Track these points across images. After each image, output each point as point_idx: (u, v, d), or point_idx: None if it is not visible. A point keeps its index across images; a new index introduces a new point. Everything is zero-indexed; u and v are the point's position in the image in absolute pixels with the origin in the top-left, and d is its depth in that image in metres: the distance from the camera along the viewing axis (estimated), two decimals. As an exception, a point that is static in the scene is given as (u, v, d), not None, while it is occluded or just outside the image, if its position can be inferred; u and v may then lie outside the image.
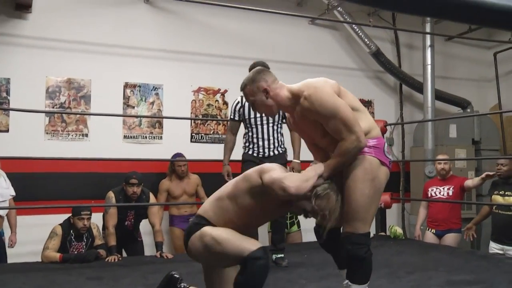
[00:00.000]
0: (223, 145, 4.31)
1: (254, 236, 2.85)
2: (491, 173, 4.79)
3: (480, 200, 6.37)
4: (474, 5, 0.85)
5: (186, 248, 2.55)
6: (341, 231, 2.57)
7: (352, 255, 2.48)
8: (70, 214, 4.35)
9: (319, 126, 2.43)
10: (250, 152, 4.06)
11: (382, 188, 2.49)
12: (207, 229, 2.45)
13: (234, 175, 2.89)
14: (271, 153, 4.02)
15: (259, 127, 3.99)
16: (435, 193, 5.18)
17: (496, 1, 0.84)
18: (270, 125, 3.99)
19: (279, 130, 4.06)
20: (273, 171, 2.40)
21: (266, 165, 2.50)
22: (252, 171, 2.50)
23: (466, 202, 5.94)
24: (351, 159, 2.42)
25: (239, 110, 4.06)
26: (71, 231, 4.29)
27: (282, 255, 4.04)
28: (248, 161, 3.97)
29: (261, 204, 2.45)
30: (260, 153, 4.03)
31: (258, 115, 3.94)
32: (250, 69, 3.96)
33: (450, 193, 5.08)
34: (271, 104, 2.52)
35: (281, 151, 4.06)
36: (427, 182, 5.54)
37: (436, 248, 4.77)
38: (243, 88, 2.56)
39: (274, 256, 4.01)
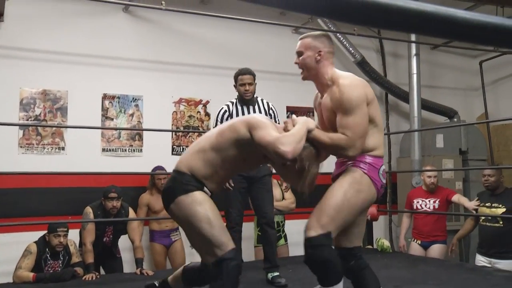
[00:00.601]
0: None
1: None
2: (475, 207, 4.75)
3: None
4: (450, 21, 0.78)
5: (165, 204, 2.51)
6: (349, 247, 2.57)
7: (313, 259, 2.38)
8: (45, 231, 4.17)
9: (334, 117, 2.46)
10: None
11: (364, 205, 2.45)
12: (196, 201, 2.41)
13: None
14: None
15: None
16: (420, 205, 5.16)
17: (470, 17, 0.77)
18: None
19: None
20: (264, 130, 2.33)
21: (254, 119, 2.43)
22: (239, 123, 2.46)
23: (454, 214, 5.87)
24: (332, 151, 2.47)
25: (226, 119, 3.82)
26: (47, 249, 4.11)
27: (278, 273, 3.81)
28: (236, 176, 3.75)
29: (246, 155, 2.45)
30: None
31: None
32: (235, 77, 3.87)
33: (436, 206, 5.07)
34: (313, 68, 2.53)
35: None
36: (411, 192, 5.50)
37: (423, 261, 4.70)
38: (303, 38, 2.57)
39: (269, 275, 3.80)
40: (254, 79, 3.89)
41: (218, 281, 2.40)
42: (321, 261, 2.36)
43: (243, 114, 3.77)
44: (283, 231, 5.32)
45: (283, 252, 5.24)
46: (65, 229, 4.13)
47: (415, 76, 6.46)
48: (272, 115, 3.89)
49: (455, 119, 6.90)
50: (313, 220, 2.39)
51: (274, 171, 3.96)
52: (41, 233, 4.24)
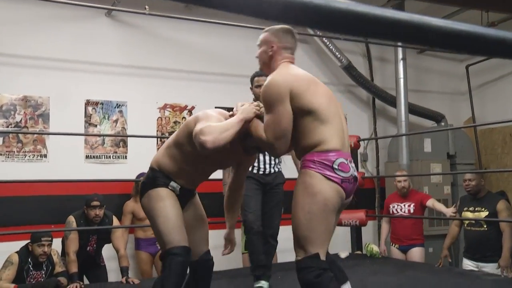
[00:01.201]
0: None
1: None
2: (453, 213, 4.74)
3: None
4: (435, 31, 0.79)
5: (140, 197, 2.63)
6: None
7: (304, 282, 2.25)
8: (28, 241, 4.07)
9: None
10: (250, 169, 3.72)
11: (331, 205, 2.23)
12: (158, 197, 2.51)
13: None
14: (272, 170, 3.74)
15: None
16: (396, 210, 5.23)
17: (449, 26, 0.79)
18: None
19: None
20: (202, 122, 2.33)
21: (203, 113, 2.46)
22: (191, 117, 2.52)
23: (436, 218, 5.87)
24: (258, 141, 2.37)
25: None
26: (29, 259, 4.01)
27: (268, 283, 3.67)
28: (248, 178, 3.53)
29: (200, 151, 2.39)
30: (261, 169, 3.72)
31: None
32: (251, 79, 3.80)
33: (411, 210, 5.13)
34: (266, 62, 2.50)
35: (280, 169, 3.81)
36: (388, 197, 5.59)
37: (412, 267, 4.67)
38: (264, 31, 2.54)
39: (256, 285, 3.65)
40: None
41: (163, 273, 2.48)
42: (307, 284, 2.24)
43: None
44: (272, 237, 5.24)
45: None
46: (49, 239, 4.04)
47: (402, 81, 6.44)
48: None
49: (443, 123, 6.90)
50: (295, 243, 2.29)
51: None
52: (22, 243, 4.14)
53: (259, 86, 3.63)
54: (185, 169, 2.56)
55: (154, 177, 2.57)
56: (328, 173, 2.21)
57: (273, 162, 3.75)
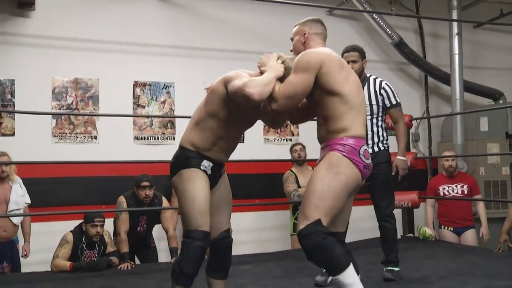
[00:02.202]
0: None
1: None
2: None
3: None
4: None
5: (170, 177, 2.62)
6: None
7: (309, 249, 2.30)
8: (81, 221, 4.18)
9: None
10: None
11: (349, 187, 2.38)
12: (189, 178, 2.52)
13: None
14: (371, 150, 3.38)
15: None
16: (447, 191, 5.07)
17: None
18: (368, 117, 3.45)
19: (379, 123, 3.55)
20: (236, 80, 2.40)
21: (230, 73, 2.51)
22: (216, 83, 2.56)
23: (493, 200, 5.65)
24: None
25: None
26: (83, 238, 4.14)
27: (393, 269, 3.49)
28: None
29: (235, 111, 2.50)
30: None
31: None
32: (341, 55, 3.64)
33: (465, 191, 5.00)
34: (301, 50, 2.57)
35: (382, 148, 3.54)
36: (433, 179, 5.42)
37: (469, 251, 4.49)
38: (295, 26, 2.70)
39: (385, 269, 3.51)
40: (362, 57, 3.59)
41: (181, 256, 2.52)
42: (314, 249, 2.28)
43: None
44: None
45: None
46: (102, 219, 4.15)
47: (456, 57, 6.18)
48: (384, 94, 3.56)
49: (501, 101, 6.59)
50: (300, 216, 2.39)
51: (392, 159, 3.66)
52: (75, 223, 4.25)
53: (348, 62, 3.43)
54: (221, 138, 2.57)
55: (187, 157, 2.55)
56: (354, 158, 2.37)
57: (371, 142, 3.49)
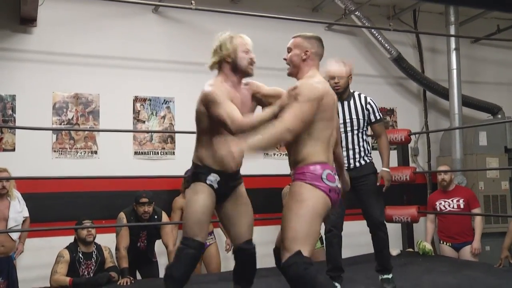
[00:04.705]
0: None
1: None
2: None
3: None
4: None
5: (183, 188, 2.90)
6: None
7: (292, 280, 2.38)
8: (74, 236, 4.29)
9: None
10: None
11: (319, 211, 2.43)
12: (195, 190, 2.71)
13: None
14: (357, 164, 3.63)
15: (342, 135, 3.55)
16: (444, 206, 5.05)
17: None
18: (355, 132, 3.63)
19: (364, 137, 3.69)
20: (218, 108, 2.62)
21: (208, 93, 2.73)
22: (197, 103, 2.81)
23: (493, 215, 5.63)
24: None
25: None
26: (78, 249, 4.18)
27: (389, 277, 3.60)
28: None
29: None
30: (346, 165, 3.59)
31: (341, 121, 3.58)
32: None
33: (462, 205, 4.96)
34: (297, 65, 2.66)
35: (368, 160, 3.67)
36: (432, 195, 5.41)
37: (468, 266, 4.47)
38: (296, 36, 2.75)
39: (380, 277, 3.63)
40: (348, 73, 3.67)
41: (173, 261, 2.73)
42: (297, 280, 2.34)
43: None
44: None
45: (320, 256, 5.07)
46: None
47: (455, 72, 6.20)
48: (370, 109, 3.69)
49: (499, 116, 6.61)
50: (282, 248, 2.44)
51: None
52: (72, 239, 4.28)
53: (333, 77, 3.60)
54: (220, 143, 2.71)
55: (195, 172, 2.77)
56: (317, 182, 2.42)
57: (357, 156, 3.64)
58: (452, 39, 6.26)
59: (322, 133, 2.50)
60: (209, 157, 2.74)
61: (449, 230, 5.00)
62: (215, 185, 2.73)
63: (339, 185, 2.56)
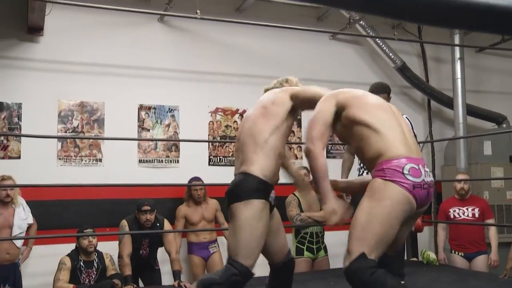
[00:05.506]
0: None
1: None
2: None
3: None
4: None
5: (232, 200, 2.50)
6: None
7: (359, 286, 2.17)
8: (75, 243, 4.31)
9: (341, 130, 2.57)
10: (361, 173, 3.96)
11: (397, 212, 2.19)
12: (255, 210, 2.45)
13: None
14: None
15: None
16: (458, 214, 4.97)
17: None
18: None
19: None
20: (315, 110, 2.47)
21: (299, 89, 2.68)
22: (280, 95, 2.63)
23: (505, 225, 5.59)
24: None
25: None
26: (79, 257, 4.20)
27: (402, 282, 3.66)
28: None
29: (292, 122, 2.64)
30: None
31: None
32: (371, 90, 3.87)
33: (476, 215, 4.87)
34: None
35: None
36: (444, 202, 5.32)
37: (474, 276, 4.43)
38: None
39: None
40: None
41: (219, 276, 2.45)
42: (364, 285, 2.15)
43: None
44: (323, 242, 5.15)
45: (324, 265, 5.07)
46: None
47: (459, 81, 6.21)
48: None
49: (504, 125, 6.59)
50: (346, 250, 2.24)
51: None
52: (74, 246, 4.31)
53: None
54: (280, 155, 2.56)
55: (258, 187, 2.48)
56: (398, 179, 2.18)
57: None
58: (457, 49, 6.27)
59: (385, 124, 2.32)
60: (271, 167, 2.52)
61: (461, 239, 4.92)
62: (273, 202, 2.60)
63: (428, 179, 2.26)
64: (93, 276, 4.19)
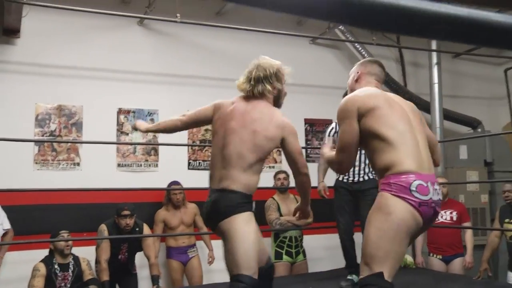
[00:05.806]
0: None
1: None
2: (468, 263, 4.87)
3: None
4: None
5: (216, 218, 2.62)
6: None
7: None
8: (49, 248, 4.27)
9: None
10: (340, 179, 4.11)
11: (405, 228, 2.16)
12: (247, 221, 2.58)
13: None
14: (361, 179, 4.02)
15: None
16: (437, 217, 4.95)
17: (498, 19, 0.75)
18: (362, 151, 3.78)
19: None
20: (300, 153, 2.75)
21: (293, 133, 2.76)
22: (272, 132, 2.72)
23: (478, 228, 5.67)
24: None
25: (333, 135, 4.09)
26: (53, 261, 4.16)
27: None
28: (340, 188, 4.10)
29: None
30: (350, 179, 4.05)
31: None
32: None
33: (454, 218, 4.94)
34: (351, 87, 2.67)
35: (372, 176, 3.98)
36: None
37: (449, 278, 4.49)
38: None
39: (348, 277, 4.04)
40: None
41: None
42: None
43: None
44: (302, 246, 5.18)
45: (302, 269, 5.10)
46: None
47: (436, 86, 6.30)
48: None
49: (479, 130, 6.71)
50: (361, 263, 2.25)
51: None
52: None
53: None
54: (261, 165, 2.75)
55: (244, 202, 2.61)
56: (404, 195, 2.17)
57: (362, 172, 4.00)
58: (434, 54, 6.35)
59: (400, 137, 2.27)
60: (255, 185, 2.70)
61: (438, 242, 4.97)
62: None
63: (436, 197, 2.23)
64: (69, 279, 4.13)
